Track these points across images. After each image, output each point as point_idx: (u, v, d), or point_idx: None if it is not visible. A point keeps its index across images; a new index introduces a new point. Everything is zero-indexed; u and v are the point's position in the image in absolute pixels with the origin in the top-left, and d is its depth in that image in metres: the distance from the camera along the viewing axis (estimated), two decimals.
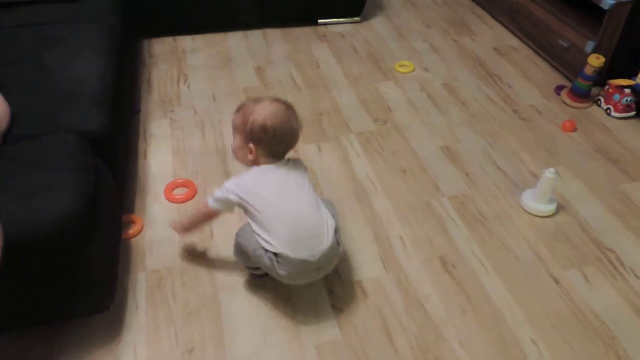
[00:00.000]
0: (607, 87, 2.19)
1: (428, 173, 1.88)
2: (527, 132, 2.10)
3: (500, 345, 1.34)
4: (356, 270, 1.52)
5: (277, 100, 1.34)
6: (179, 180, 1.77)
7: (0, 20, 1.77)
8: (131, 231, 1.59)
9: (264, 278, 1.46)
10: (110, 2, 1.97)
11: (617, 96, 2.14)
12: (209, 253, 1.56)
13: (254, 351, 1.31)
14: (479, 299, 1.46)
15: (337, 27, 2.78)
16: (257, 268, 1.41)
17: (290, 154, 1.38)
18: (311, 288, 1.46)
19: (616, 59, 2.21)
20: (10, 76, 1.48)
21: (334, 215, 1.36)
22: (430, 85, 2.36)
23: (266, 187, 1.29)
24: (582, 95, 2.21)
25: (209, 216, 1.41)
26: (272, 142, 1.30)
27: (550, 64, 2.51)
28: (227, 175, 1.82)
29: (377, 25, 2.82)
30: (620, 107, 2.13)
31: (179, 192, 1.75)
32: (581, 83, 2.18)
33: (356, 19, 2.82)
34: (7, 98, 1.38)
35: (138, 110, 2.11)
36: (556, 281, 1.51)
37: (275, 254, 1.25)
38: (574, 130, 2.10)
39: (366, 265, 1.54)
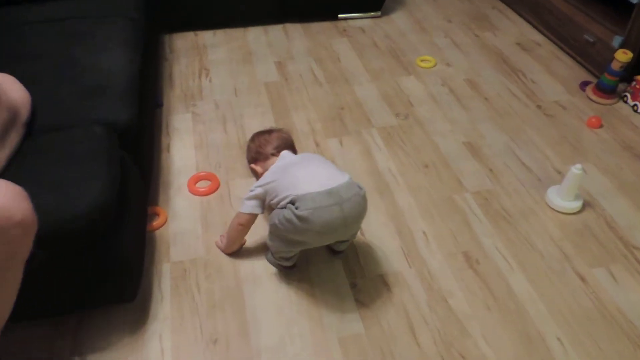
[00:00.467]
0: (634, 83, 2.15)
1: (451, 168, 1.87)
2: (551, 128, 2.07)
3: (524, 342, 1.33)
4: (379, 264, 1.52)
5: None
6: (202, 173, 1.79)
7: (28, 16, 1.79)
8: (155, 223, 1.60)
9: (292, 270, 1.47)
10: None
11: None
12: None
13: (278, 342, 1.32)
14: (503, 295, 1.45)
15: (357, 21, 2.77)
16: (286, 258, 1.42)
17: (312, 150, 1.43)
18: (334, 281, 1.47)
19: None
20: (39, 69, 1.50)
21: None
22: (452, 80, 2.34)
23: (280, 166, 1.44)
24: (608, 91, 2.18)
25: (245, 224, 1.45)
26: (260, 148, 1.60)
27: (574, 59, 2.47)
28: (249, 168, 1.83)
29: (398, 19, 2.81)
30: None
31: (202, 185, 1.76)
32: (607, 79, 2.15)
33: (376, 13, 2.81)
34: (36, 90, 1.40)
35: (161, 105, 2.12)
36: (582, 279, 1.49)
37: (293, 202, 1.26)
38: (600, 126, 2.07)
39: (389, 260, 1.53)
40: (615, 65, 2.10)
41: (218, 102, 2.16)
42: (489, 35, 2.68)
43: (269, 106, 2.14)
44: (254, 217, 1.43)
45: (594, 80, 2.27)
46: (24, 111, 1.29)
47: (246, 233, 1.49)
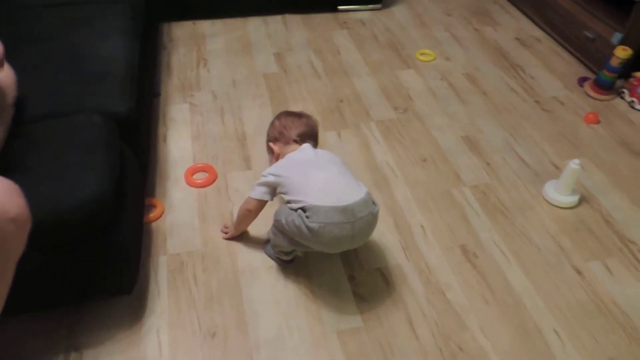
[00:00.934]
0: (632, 79, 2.16)
1: (449, 162, 1.87)
2: (549, 123, 2.07)
3: (522, 335, 1.34)
4: (377, 257, 1.52)
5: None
6: (199, 165, 1.78)
7: (27, 0, 1.77)
8: (152, 215, 1.60)
9: (290, 264, 1.47)
10: None
11: None
12: (223, 236, 1.56)
13: (276, 335, 1.32)
14: (500, 288, 1.45)
15: (357, 14, 2.76)
16: (285, 253, 1.42)
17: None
18: (332, 274, 1.47)
19: None
20: (37, 55, 1.48)
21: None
22: (452, 74, 2.33)
23: (300, 161, 1.38)
24: (606, 87, 2.18)
25: (253, 211, 1.42)
26: (284, 130, 1.47)
27: (573, 55, 2.47)
28: (247, 160, 1.82)
29: (398, 12, 2.80)
30: None
31: (199, 177, 1.75)
32: (606, 75, 2.15)
33: (377, 5, 2.80)
34: (35, 76, 1.39)
35: (158, 94, 2.11)
36: (578, 272, 1.50)
37: (304, 210, 1.23)
38: (597, 122, 2.07)
39: (387, 253, 1.54)
40: (614, 62, 2.11)
41: (216, 92, 2.14)
42: (489, 30, 2.68)
43: (268, 98, 2.13)
44: (263, 203, 1.40)
45: (592, 77, 2.27)
46: (10, 91, 1.25)
47: (253, 219, 1.45)
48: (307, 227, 1.22)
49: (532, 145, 1.96)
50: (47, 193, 1.09)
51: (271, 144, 1.49)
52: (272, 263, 1.49)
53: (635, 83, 2.13)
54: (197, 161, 1.81)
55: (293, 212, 1.26)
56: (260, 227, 1.53)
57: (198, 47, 2.43)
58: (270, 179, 1.35)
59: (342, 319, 1.36)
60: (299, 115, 1.53)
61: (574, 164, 1.64)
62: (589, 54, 2.35)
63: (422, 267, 1.50)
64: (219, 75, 2.25)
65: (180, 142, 1.89)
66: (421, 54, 2.44)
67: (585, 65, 2.40)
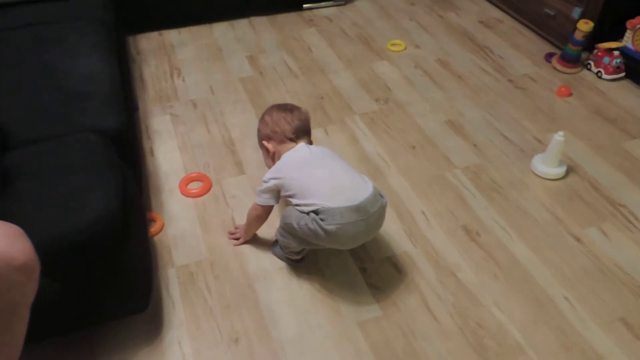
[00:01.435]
0: (595, 51, 2.26)
1: (437, 147, 1.90)
2: (524, 100, 2.14)
3: (535, 305, 1.38)
4: (384, 247, 1.54)
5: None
6: (192, 174, 1.75)
7: None
8: (153, 229, 1.56)
9: (300, 263, 1.46)
10: None
11: (606, 59, 2.20)
12: (235, 243, 1.55)
13: (298, 333, 1.31)
14: (507, 263, 1.49)
15: (322, 10, 2.77)
16: (295, 252, 1.41)
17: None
18: (343, 268, 1.47)
19: (602, 22, 2.27)
20: (15, 79, 1.43)
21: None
22: (424, 61, 2.38)
23: (298, 160, 1.37)
24: (572, 60, 2.27)
25: (261, 216, 1.42)
26: (277, 127, 1.41)
27: (536, 32, 2.56)
28: (239, 165, 1.81)
29: (362, 6, 2.82)
30: (611, 69, 2.20)
31: (194, 186, 1.72)
32: (571, 49, 2.24)
33: (340, 1, 2.81)
34: (16, 100, 1.34)
35: (136, 108, 2.06)
36: (577, 239, 1.56)
37: (317, 213, 1.23)
38: (570, 95, 2.16)
39: (393, 242, 1.55)
40: (577, 35, 2.19)
41: (195, 101, 2.11)
42: (452, 15, 2.74)
43: (248, 102, 2.11)
44: (270, 207, 1.41)
45: (558, 52, 2.36)
46: None
47: (264, 222, 1.46)
48: (324, 229, 1.22)
49: (512, 122, 2.02)
50: (54, 217, 1.05)
51: (265, 142, 1.44)
52: (281, 264, 1.48)
53: (600, 54, 2.23)
54: (188, 171, 1.78)
55: (305, 215, 1.26)
56: (263, 229, 1.52)
57: (168, 57, 2.38)
58: (272, 183, 1.34)
59: (361, 310, 1.37)
60: (290, 109, 1.46)
61: (558, 136, 1.70)
62: (551, 30, 2.44)
63: (430, 251, 1.53)
64: (195, 83, 2.21)
65: (168, 154, 1.85)
66: (392, 45, 2.47)
67: (549, 42, 2.49)
